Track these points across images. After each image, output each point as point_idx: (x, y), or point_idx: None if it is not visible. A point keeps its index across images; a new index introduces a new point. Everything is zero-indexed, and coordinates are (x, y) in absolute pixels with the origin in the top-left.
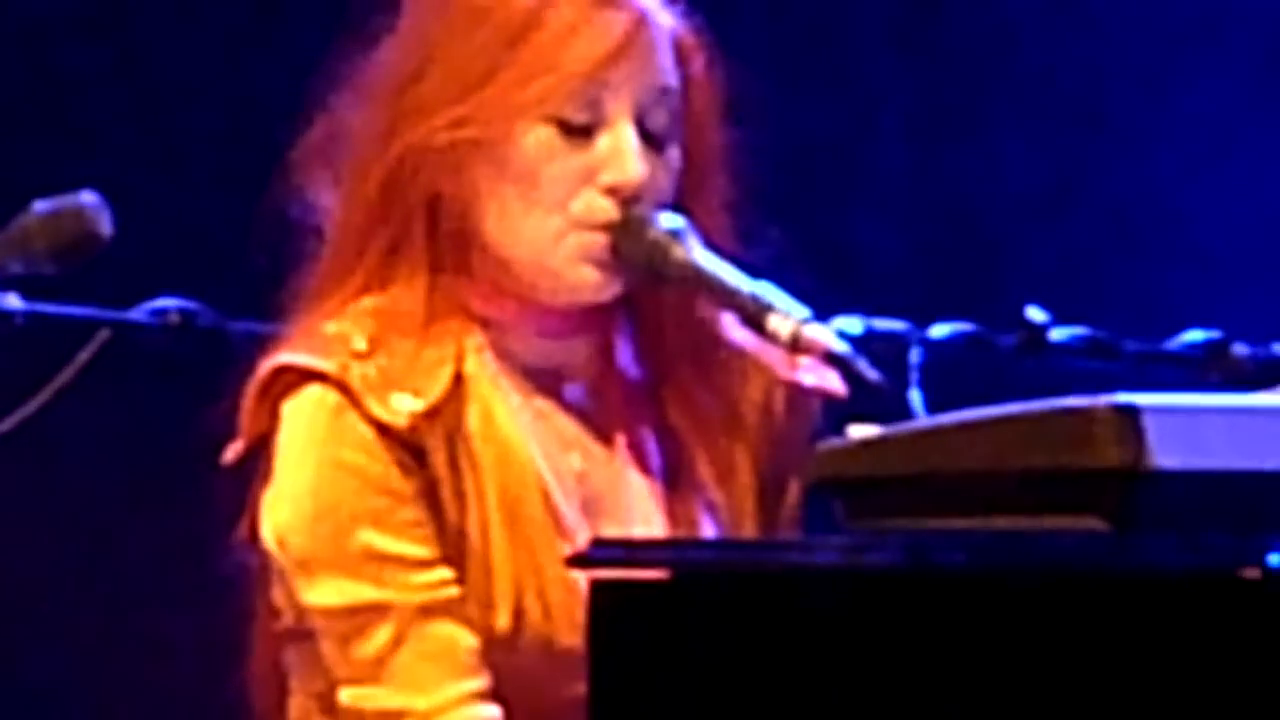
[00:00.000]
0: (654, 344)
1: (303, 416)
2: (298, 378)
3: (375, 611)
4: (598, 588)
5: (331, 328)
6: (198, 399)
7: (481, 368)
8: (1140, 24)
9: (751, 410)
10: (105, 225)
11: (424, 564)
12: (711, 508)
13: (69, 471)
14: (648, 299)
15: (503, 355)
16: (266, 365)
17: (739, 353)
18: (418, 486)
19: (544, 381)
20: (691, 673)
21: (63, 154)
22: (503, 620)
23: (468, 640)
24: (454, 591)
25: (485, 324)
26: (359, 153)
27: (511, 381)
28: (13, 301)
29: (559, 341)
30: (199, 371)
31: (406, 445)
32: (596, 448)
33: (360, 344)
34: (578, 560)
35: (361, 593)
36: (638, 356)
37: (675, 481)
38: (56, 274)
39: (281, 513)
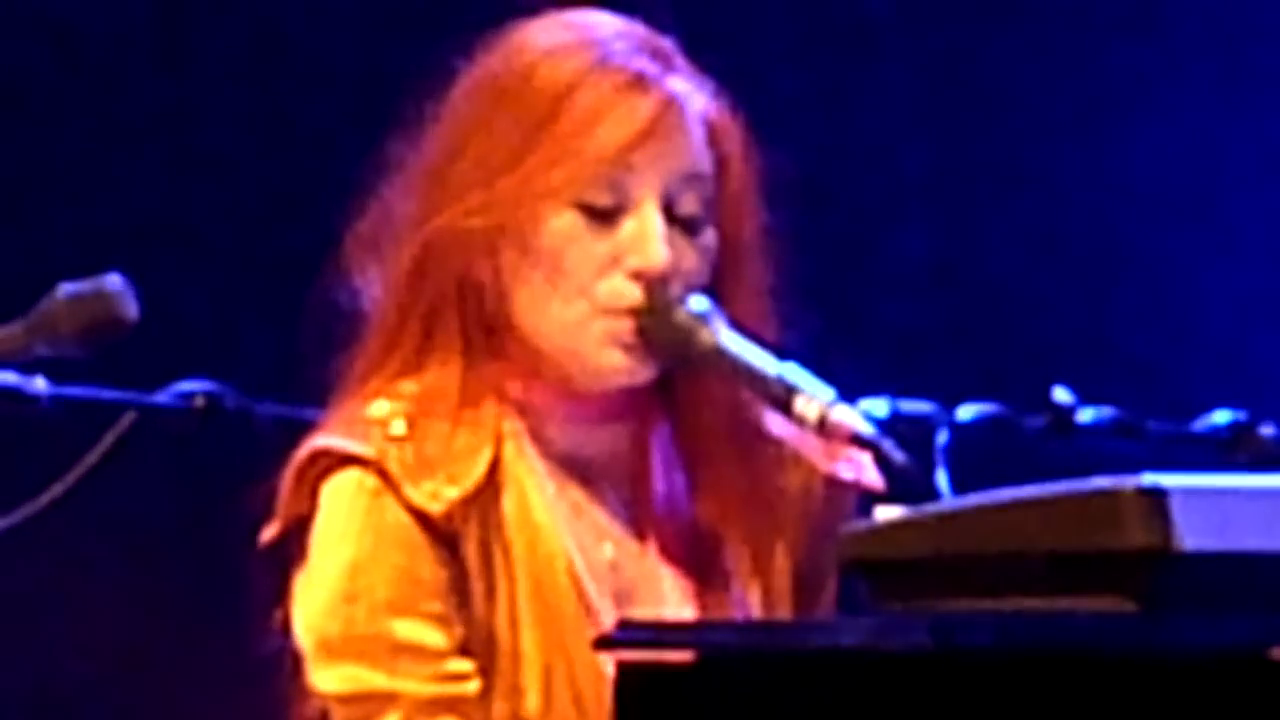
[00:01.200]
0: (692, 433)
1: (341, 500)
2: (336, 461)
3: (384, 700)
4: (624, 670)
5: (370, 411)
6: (223, 482)
7: (518, 454)
8: (1171, 99)
9: (790, 502)
10: (130, 308)
11: (441, 655)
12: (745, 601)
13: (95, 555)
14: (686, 387)
15: (539, 442)
16: (305, 448)
17: (778, 444)
18: (449, 575)
19: (579, 470)
20: None
21: (88, 236)
22: (532, 705)
23: None
24: (469, 685)
25: (521, 409)
26: (398, 243)
27: (547, 469)
28: (38, 384)
29: (595, 428)
30: (224, 455)
31: (441, 531)
32: (630, 538)
33: (399, 428)
34: (604, 642)
35: (373, 680)
36: (675, 444)
37: (708, 573)
38: (82, 357)
39: (311, 595)
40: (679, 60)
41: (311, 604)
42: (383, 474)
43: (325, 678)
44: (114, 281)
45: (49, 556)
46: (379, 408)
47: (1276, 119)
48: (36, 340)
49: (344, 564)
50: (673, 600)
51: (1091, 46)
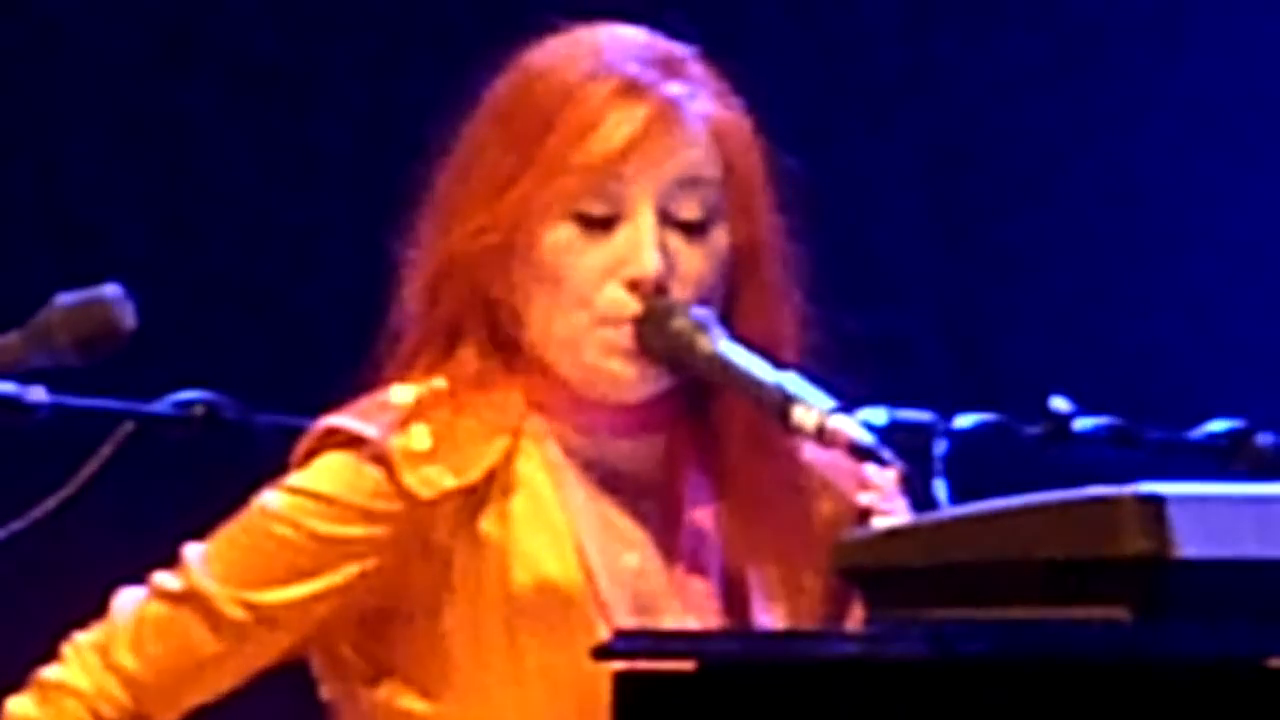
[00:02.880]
0: (723, 452)
1: (330, 474)
2: (343, 440)
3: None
4: (622, 679)
5: (388, 395)
6: (222, 492)
7: (539, 454)
8: (1171, 107)
9: (821, 526)
10: (129, 318)
11: (268, 583)
12: (771, 622)
13: (92, 564)
14: (718, 407)
15: (565, 446)
16: (317, 425)
17: (814, 471)
18: (397, 558)
19: (606, 478)
20: None
21: (87, 246)
22: (537, 713)
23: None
24: (250, 625)
25: (549, 420)
26: (417, 265)
27: (576, 475)
28: (37, 394)
29: (619, 439)
30: (223, 465)
31: (416, 518)
32: (656, 550)
33: (412, 419)
34: (602, 651)
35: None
36: (705, 462)
37: (735, 591)
38: (80, 366)
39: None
40: (690, 67)
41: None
42: (382, 459)
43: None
44: (112, 291)
45: (47, 566)
46: (398, 393)
47: (1270, 129)
48: (35, 350)
49: (291, 485)
50: (697, 614)
51: (1090, 53)
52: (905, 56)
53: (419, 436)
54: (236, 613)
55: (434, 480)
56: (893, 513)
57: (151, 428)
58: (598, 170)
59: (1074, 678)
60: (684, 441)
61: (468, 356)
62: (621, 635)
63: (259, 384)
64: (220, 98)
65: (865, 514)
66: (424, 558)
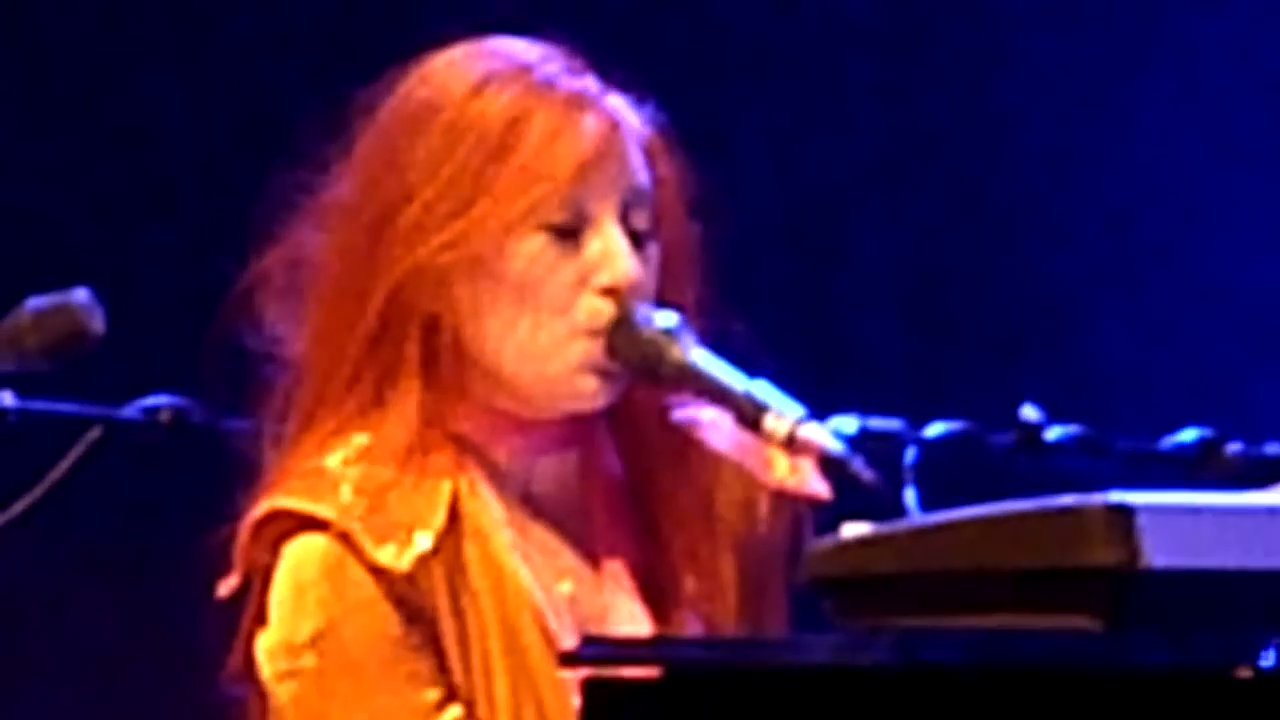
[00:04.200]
0: (635, 452)
1: (304, 566)
2: (296, 524)
3: None
4: (591, 686)
5: (325, 463)
6: (189, 497)
7: (476, 499)
8: (1142, 119)
9: (733, 515)
10: (97, 322)
11: (432, 710)
12: (697, 620)
13: (60, 569)
14: (624, 406)
15: (495, 484)
16: (263, 506)
17: (719, 458)
18: (420, 633)
19: (534, 507)
20: None
21: (55, 251)
22: None
23: None
24: None
25: (477, 452)
26: (341, 282)
27: (505, 511)
28: (5, 398)
29: (544, 458)
30: (191, 469)
31: (407, 590)
32: (585, 571)
33: (354, 488)
34: (569, 658)
35: None
36: (617, 465)
37: (660, 598)
38: (49, 371)
39: (280, 660)
40: (603, 80)
41: (283, 673)
42: (344, 537)
43: None
44: (81, 296)
45: (14, 570)
46: (334, 462)
47: (1243, 137)
48: (3, 355)
49: (313, 632)
50: (630, 628)
51: (1059, 56)
52: (874, 66)
53: (371, 504)
54: None
55: (403, 551)
56: (810, 492)
57: (119, 432)
58: (567, 180)
59: (1043, 687)
60: (597, 456)
61: (408, 384)
62: (588, 642)
63: (226, 389)
64: (187, 99)
65: (780, 498)
66: (424, 625)
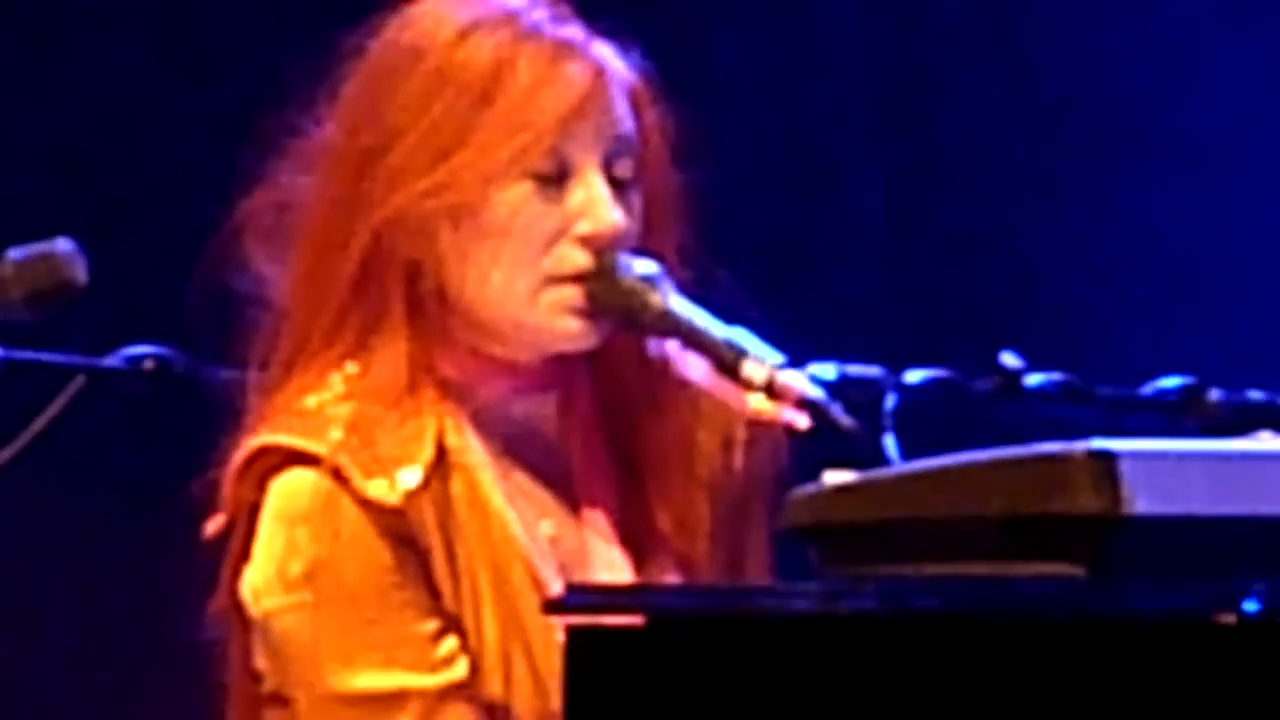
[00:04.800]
0: (614, 393)
1: (294, 498)
2: (284, 458)
3: (394, 699)
4: (574, 634)
5: (313, 402)
6: (173, 445)
7: (461, 439)
8: (1114, 70)
9: (712, 450)
10: (80, 272)
11: (432, 639)
12: (675, 561)
13: (44, 518)
14: (606, 349)
15: (479, 426)
16: (249, 445)
17: (695, 392)
18: (415, 563)
19: (516, 448)
20: (668, 718)
21: (38, 200)
22: (494, 690)
23: None
24: (463, 666)
25: (461, 394)
26: (325, 226)
27: (489, 452)
28: None
29: (529, 401)
30: (175, 418)
31: (399, 524)
32: (566, 513)
33: (342, 424)
34: (554, 606)
35: (378, 680)
36: (597, 405)
37: (638, 539)
38: (32, 321)
39: (275, 594)
40: (588, 28)
41: (277, 608)
42: (335, 471)
43: (324, 682)
44: (63, 246)
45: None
46: (323, 399)
47: (1200, 96)
48: None
49: (308, 565)
50: (610, 570)
51: (1038, 20)
52: (860, 12)
53: (359, 439)
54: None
55: (394, 484)
56: (787, 421)
57: (103, 381)
58: (552, 129)
59: (1026, 634)
60: (578, 396)
61: (392, 327)
62: (573, 590)
63: (210, 337)
64: (171, 54)
65: (758, 429)
66: (416, 558)
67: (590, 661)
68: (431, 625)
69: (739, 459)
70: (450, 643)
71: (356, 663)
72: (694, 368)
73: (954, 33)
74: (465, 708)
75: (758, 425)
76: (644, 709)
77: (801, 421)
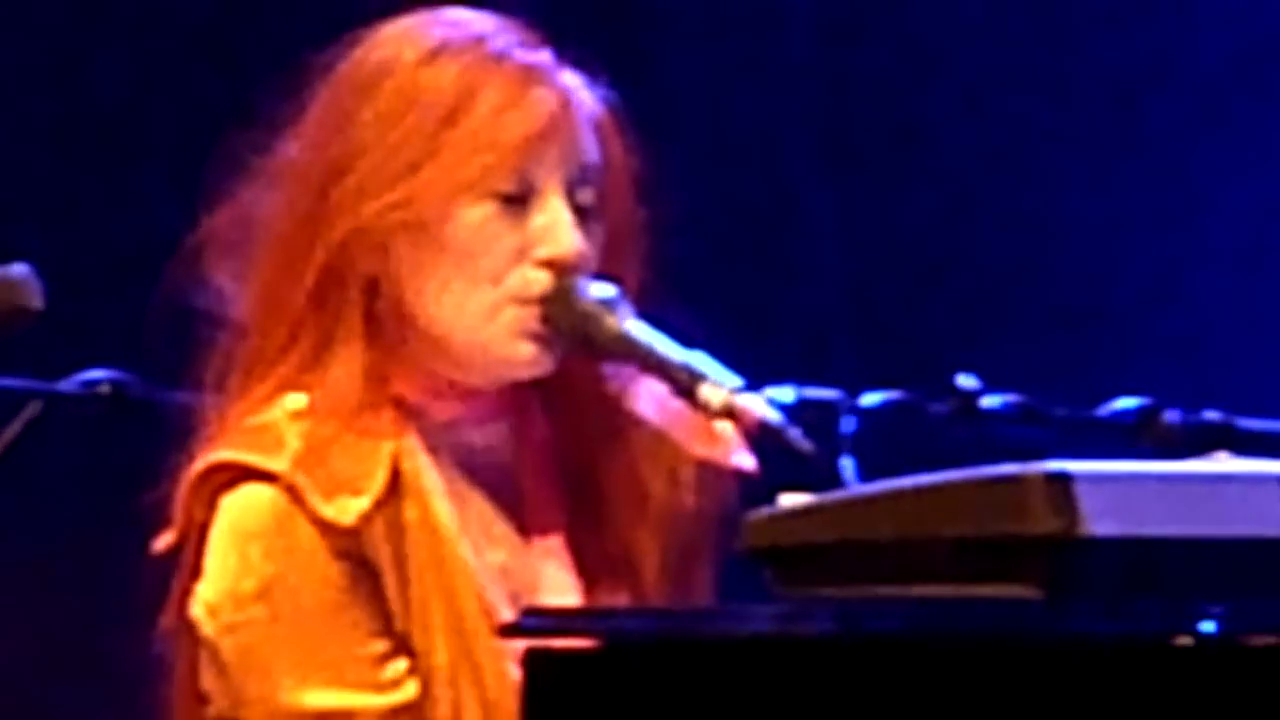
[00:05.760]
0: (567, 424)
1: (248, 514)
2: (239, 475)
3: (341, 718)
4: (531, 656)
5: (267, 419)
6: (129, 470)
7: (415, 463)
8: (1066, 84)
9: (660, 488)
10: (36, 297)
11: (382, 659)
12: (626, 593)
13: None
14: (560, 378)
15: (434, 451)
16: (203, 460)
17: (647, 429)
18: (366, 586)
19: (470, 474)
20: None
21: None
22: (443, 715)
23: None
24: (412, 689)
25: (417, 416)
26: (287, 241)
27: (442, 478)
28: None
29: (481, 428)
30: (130, 443)
31: (352, 545)
32: (516, 540)
33: (297, 442)
34: (510, 630)
35: (327, 698)
36: (549, 435)
37: (589, 568)
38: None
39: (226, 612)
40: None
41: (229, 625)
42: (290, 489)
43: (273, 699)
44: (18, 270)
45: None
46: (277, 418)
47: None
48: None
49: (261, 582)
50: (561, 599)
51: (993, 38)
52: (814, 42)
53: (314, 458)
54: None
55: (348, 505)
56: (736, 464)
57: (58, 406)
58: (518, 150)
59: (983, 656)
60: (530, 425)
61: (349, 343)
62: (530, 613)
63: (167, 361)
64: (130, 73)
65: (706, 470)
66: (369, 580)
67: (548, 684)
68: (381, 646)
69: (688, 499)
70: (399, 664)
71: (306, 681)
72: (646, 405)
73: (908, 52)
74: None
75: (706, 466)
76: None
77: (750, 464)
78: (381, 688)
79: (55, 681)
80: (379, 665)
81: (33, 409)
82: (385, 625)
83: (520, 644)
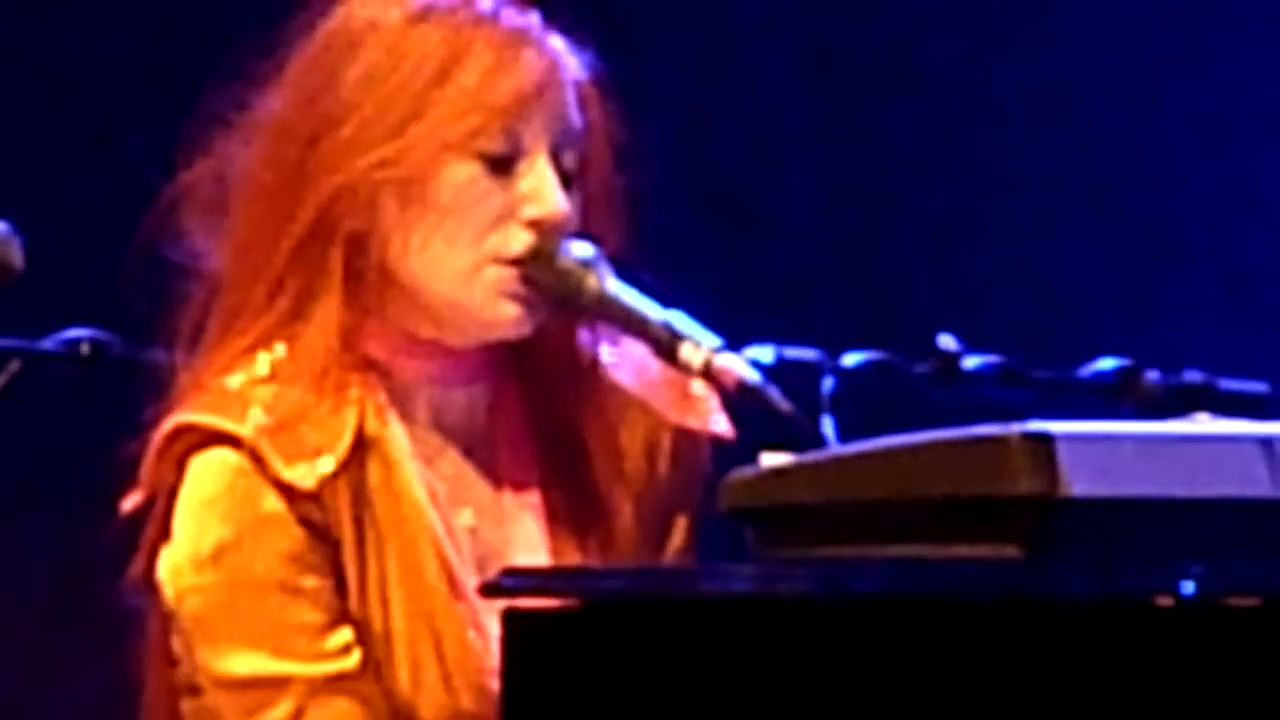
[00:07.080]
0: (543, 389)
1: (211, 479)
2: (204, 438)
3: (275, 685)
4: (510, 616)
5: (236, 382)
6: (109, 430)
7: (383, 425)
8: (1040, 50)
9: (637, 454)
10: (16, 256)
11: (325, 629)
12: (599, 557)
13: None
14: (537, 343)
15: (404, 413)
16: (170, 422)
17: (624, 396)
18: (323, 551)
19: (440, 437)
20: (604, 701)
21: None
22: (402, 683)
23: None
24: (354, 659)
25: (388, 377)
26: (270, 196)
27: (412, 439)
28: None
29: (455, 390)
30: (111, 402)
31: (312, 509)
32: (487, 503)
33: (263, 407)
34: (490, 589)
35: (262, 664)
36: (524, 401)
37: (563, 533)
38: None
39: (185, 575)
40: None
41: (185, 583)
42: (253, 453)
43: (216, 661)
44: (0, 229)
45: None
46: (245, 381)
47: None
48: None
49: (216, 546)
50: (532, 561)
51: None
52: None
53: (279, 423)
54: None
55: (310, 469)
56: (714, 430)
57: (38, 365)
58: (507, 111)
59: (963, 616)
60: (505, 390)
61: (328, 300)
62: (509, 573)
63: (146, 319)
64: (110, 30)
65: (683, 436)
66: (326, 546)
67: (527, 644)
68: (327, 615)
69: (663, 467)
70: (344, 634)
71: (243, 646)
72: (624, 373)
73: (895, 12)
74: (347, 702)
75: (683, 434)
76: (581, 691)
77: (727, 430)
78: (320, 656)
79: (34, 638)
80: (322, 634)
81: (12, 368)
82: (336, 595)
83: (489, 605)
